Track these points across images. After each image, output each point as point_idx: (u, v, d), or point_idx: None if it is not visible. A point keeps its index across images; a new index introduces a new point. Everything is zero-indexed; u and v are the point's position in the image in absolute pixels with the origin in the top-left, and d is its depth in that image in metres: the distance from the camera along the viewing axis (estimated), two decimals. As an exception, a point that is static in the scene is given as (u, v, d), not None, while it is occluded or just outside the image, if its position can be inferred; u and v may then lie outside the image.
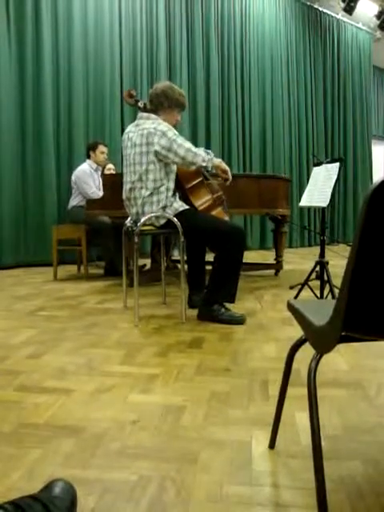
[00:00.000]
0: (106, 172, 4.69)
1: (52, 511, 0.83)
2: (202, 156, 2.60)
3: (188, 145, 2.58)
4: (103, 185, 3.95)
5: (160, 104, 2.70)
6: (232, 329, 2.41)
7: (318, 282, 3.08)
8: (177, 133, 2.62)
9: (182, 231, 2.52)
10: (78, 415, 1.38)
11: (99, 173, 4.67)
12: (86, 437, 1.25)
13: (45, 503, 0.85)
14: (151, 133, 2.56)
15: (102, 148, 4.67)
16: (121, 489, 1.01)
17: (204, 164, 2.62)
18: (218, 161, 2.76)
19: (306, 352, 1.06)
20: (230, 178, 2.81)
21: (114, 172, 4.72)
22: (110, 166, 4.85)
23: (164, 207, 2.60)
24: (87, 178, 4.56)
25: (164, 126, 2.59)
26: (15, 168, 5.14)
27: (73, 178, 4.66)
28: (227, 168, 2.80)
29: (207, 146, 6.78)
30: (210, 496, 0.98)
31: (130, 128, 2.74)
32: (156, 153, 2.55)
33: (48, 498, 0.87)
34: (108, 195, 3.72)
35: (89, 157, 4.70)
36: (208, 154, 2.67)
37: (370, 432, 1.26)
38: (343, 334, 0.80)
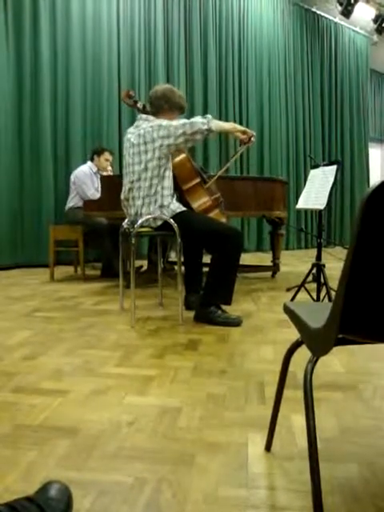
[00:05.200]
0: (103, 173, 4.69)
1: (47, 513, 0.83)
2: (199, 121, 2.54)
3: (182, 121, 2.55)
4: (100, 186, 3.95)
5: (160, 106, 2.71)
6: (228, 331, 2.41)
7: (314, 285, 3.08)
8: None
9: (179, 233, 2.52)
10: (73, 417, 1.38)
11: (99, 176, 4.67)
12: (82, 438, 1.24)
13: (40, 505, 0.85)
14: (147, 132, 2.57)
15: (107, 155, 4.69)
16: (117, 491, 1.01)
17: (205, 127, 2.52)
18: (229, 125, 2.66)
19: (303, 354, 1.06)
20: (252, 133, 2.68)
21: (111, 173, 4.72)
22: (109, 168, 4.85)
23: (161, 207, 2.60)
24: (87, 178, 4.56)
25: (158, 120, 2.61)
26: (12, 169, 5.13)
27: (72, 177, 4.65)
28: (242, 128, 2.67)
29: (205, 147, 6.79)
30: (206, 498, 0.98)
31: (130, 130, 2.77)
32: (161, 146, 2.55)
33: (43, 500, 0.87)
34: (105, 196, 3.72)
35: (92, 159, 4.70)
36: (204, 117, 2.59)
37: (366, 434, 1.26)
38: (339, 336, 0.81)
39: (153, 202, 2.59)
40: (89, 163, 4.70)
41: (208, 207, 2.82)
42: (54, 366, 1.84)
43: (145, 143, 2.58)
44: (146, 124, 2.63)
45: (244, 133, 2.66)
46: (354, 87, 9.17)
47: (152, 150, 2.56)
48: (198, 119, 2.57)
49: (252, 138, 2.68)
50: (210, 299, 2.57)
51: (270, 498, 0.98)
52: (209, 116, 2.61)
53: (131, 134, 2.69)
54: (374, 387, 1.61)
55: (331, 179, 2.92)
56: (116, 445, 1.21)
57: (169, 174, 2.65)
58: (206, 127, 2.53)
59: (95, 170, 4.67)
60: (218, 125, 2.58)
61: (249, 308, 2.98)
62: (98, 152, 4.69)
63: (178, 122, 2.56)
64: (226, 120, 7.15)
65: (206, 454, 1.16)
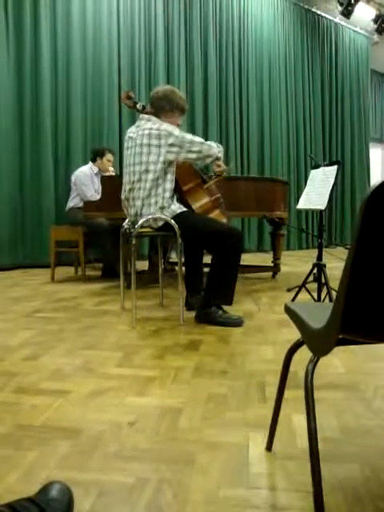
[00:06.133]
0: (106, 173, 4.68)
1: (48, 513, 0.83)
2: (215, 146, 2.70)
3: (199, 139, 2.65)
4: (101, 186, 3.95)
5: (161, 107, 2.71)
6: (229, 331, 2.41)
7: (315, 285, 3.08)
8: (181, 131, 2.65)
9: (180, 233, 2.52)
10: (74, 417, 1.38)
11: (99, 177, 4.66)
12: (83, 439, 1.24)
13: (41, 506, 0.85)
14: (154, 134, 2.57)
15: (109, 156, 4.67)
16: (118, 491, 1.01)
17: (220, 155, 2.70)
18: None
19: (304, 354, 1.06)
20: (225, 168, 2.85)
21: (112, 174, 4.71)
22: (110, 168, 4.85)
23: (162, 208, 2.60)
24: (87, 180, 4.55)
25: (168, 125, 2.62)
26: (13, 169, 5.13)
27: (72, 178, 4.65)
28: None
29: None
30: (206, 498, 0.98)
31: (131, 129, 2.76)
32: (168, 153, 2.56)
33: (45, 501, 0.87)
34: (106, 197, 3.72)
35: (94, 161, 4.69)
36: (218, 146, 2.74)
37: (367, 434, 1.26)
38: (340, 336, 0.80)
39: (153, 203, 2.59)
40: (89, 164, 4.70)
41: (208, 208, 2.82)
42: (55, 367, 1.84)
43: (149, 145, 2.58)
44: (150, 124, 2.62)
45: (219, 166, 2.82)
46: (354, 87, 9.17)
47: (156, 153, 2.56)
48: (213, 144, 2.71)
49: (224, 173, 2.87)
50: (210, 300, 2.57)
51: (271, 499, 0.98)
52: (221, 147, 2.78)
53: (133, 133, 2.69)
54: (375, 387, 1.61)
55: (332, 179, 2.92)
56: (117, 445, 1.21)
57: (171, 176, 2.65)
58: (219, 155, 2.71)
59: (96, 170, 4.66)
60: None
61: (250, 308, 2.98)
62: (100, 153, 4.67)
63: (195, 138, 2.64)
64: (227, 122, 7.17)
65: (206, 455, 1.16)
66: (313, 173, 3.26)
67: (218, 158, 2.71)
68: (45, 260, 4.93)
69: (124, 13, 5.97)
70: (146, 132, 2.59)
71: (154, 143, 2.57)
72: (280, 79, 7.88)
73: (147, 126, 2.62)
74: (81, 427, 1.31)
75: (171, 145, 2.56)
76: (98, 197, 4.29)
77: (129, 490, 1.02)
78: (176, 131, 2.59)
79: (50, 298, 3.38)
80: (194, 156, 2.62)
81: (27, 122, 5.21)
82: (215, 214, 2.82)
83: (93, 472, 1.08)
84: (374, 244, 0.72)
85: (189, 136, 2.62)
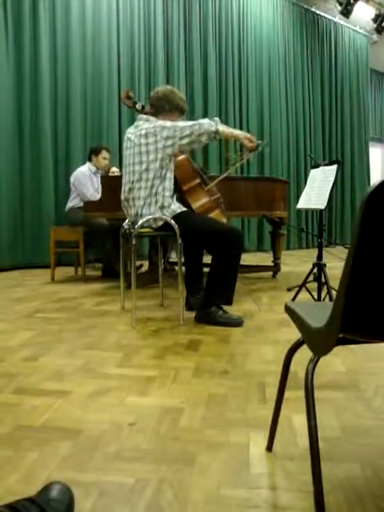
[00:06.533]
0: (110, 175, 4.68)
1: (49, 514, 0.83)
2: (207, 122, 2.58)
3: (190, 122, 2.59)
4: (101, 186, 3.95)
5: (161, 107, 2.71)
6: (229, 331, 2.41)
7: (315, 284, 3.08)
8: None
9: (180, 233, 2.52)
10: (75, 417, 1.38)
11: (98, 176, 4.66)
12: (84, 439, 1.24)
13: (42, 506, 0.84)
14: (150, 132, 2.57)
15: (105, 153, 4.67)
16: (118, 491, 1.01)
17: (213, 128, 2.55)
18: (238, 131, 2.72)
19: (304, 354, 1.06)
20: (258, 142, 2.71)
21: (117, 174, 4.71)
22: (114, 169, 4.84)
23: (162, 207, 2.59)
24: (86, 180, 4.55)
25: (161, 121, 2.62)
26: (13, 170, 5.13)
27: (71, 179, 4.65)
28: (249, 135, 2.70)
29: (205, 148, 6.78)
30: (207, 498, 0.98)
31: (130, 130, 2.76)
32: (164, 147, 2.55)
33: (45, 501, 0.87)
34: (106, 197, 3.72)
35: (90, 160, 4.69)
36: (212, 120, 2.63)
37: (368, 434, 1.26)
38: (341, 336, 0.80)
39: (153, 203, 2.59)
40: (87, 164, 4.70)
41: (208, 207, 2.82)
42: (55, 367, 1.84)
43: (147, 144, 2.58)
44: (148, 124, 2.63)
45: (251, 141, 2.68)
46: (353, 87, 9.17)
47: (154, 150, 2.56)
48: (205, 120, 2.60)
49: (259, 147, 2.72)
50: (210, 299, 2.57)
51: (272, 498, 0.98)
52: (216, 118, 2.65)
53: (131, 134, 2.69)
54: (376, 387, 1.61)
55: (331, 179, 2.92)
56: (117, 445, 1.21)
57: (170, 175, 2.64)
58: (213, 129, 2.56)
59: (94, 170, 4.66)
60: (226, 128, 2.62)
61: (250, 308, 2.98)
62: (96, 151, 4.67)
63: (185, 123, 2.58)
64: (226, 120, 7.16)
65: (207, 455, 1.16)
66: (312, 172, 3.26)
67: (216, 132, 2.56)
68: (45, 260, 4.93)
69: (123, 12, 5.97)
70: (143, 132, 2.60)
71: (151, 141, 2.57)
72: (279, 79, 7.88)
73: (145, 126, 2.63)
74: (81, 428, 1.31)
75: (167, 138, 2.55)
76: (98, 196, 4.29)
77: (129, 490, 1.01)
78: (168, 123, 2.58)
79: (50, 298, 3.38)
80: (186, 141, 2.55)
81: (27, 122, 5.21)
82: (215, 214, 2.82)
83: (93, 472, 1.08)
84: (373, 243, 0.72)
85: (180, 123, 2.58)
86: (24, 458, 1.15)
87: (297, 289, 3.19)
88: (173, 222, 2.53)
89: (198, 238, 2.72)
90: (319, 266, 3.02)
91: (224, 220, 2.83)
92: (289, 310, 1.07)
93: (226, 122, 7.19)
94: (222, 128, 2.60)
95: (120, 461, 1.13)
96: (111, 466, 1.11)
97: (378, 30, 8.34)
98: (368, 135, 9.61)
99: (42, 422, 1.35)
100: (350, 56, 9.12)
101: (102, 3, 5.74)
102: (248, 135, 2.69)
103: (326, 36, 8.72)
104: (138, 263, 4.26)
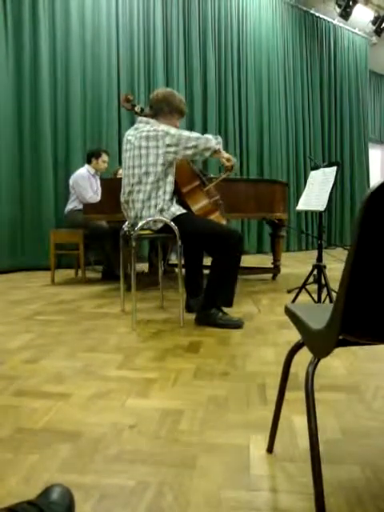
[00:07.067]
0: (118, 177, 4.67)
1: (49, 517, 0.83)
2: (212, 138, 2.66)
3: (196, 134, 2.63)
4: (101, 189, 3.95)
5: (160, 109, 2.71)
6: (230, 333, 2.41)
7: (315, 286, 3.08)
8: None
9: (180, 235, 2.52)
10: (75, 420, 1.38)
11: (98, 178, 4.67)
12: (84, 442, 1.24)
13: (42, 508, 0.84)
14: (151, 136, 2.57)
15: (104, 157, 4.68)
16: (118, 494, 1.01)
17: (218, 146, 2.66)
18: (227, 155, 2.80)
19: (304, 356, 1.06)
20: (235, 162, 2.81)
21: (121, 176, 4.71)
22: (121, 171, 4.84)
23: (161, 210, 2.60)
24: (85, 182, 4.56)
25: (164, 126, 2.62)
26: (13, 172, 5.14)
27: (70, 181, 4.66)
28: (228, 155, 2.80)
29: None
30: (207, 501, 0.98)
31: (129, 132, 2.76)
32: (167, 153, 2.56)
33: (45, 504, 0.87)
34: (105, 199, 3.72)
35: (89, 162, 4.70)
36: (216, 138, 2.70)
37: (368, 436, 1.26)
38: (341, 337, 0.80)
39: (153, 206, 2.59)
40: (86, 166, 4.70)
41: (208, 210, 2.82)
42: (55, 370, 1.84)
43: (147, 147, 2.58)
44: (148, 127, 2.62)
45: (228, 160, 2.78)
46: (353, 89, 9.19)
47: (155, 154, 2.56)
48: (211, 137, 2.67)
49: (234, 167, 2.81)
50: (211, 301, 2.57)
51: (273, 500, 0.98)
52: (219, 138, 2.73)
53: (131, 136, 2.69)
54: (376, 388, 1.61)
55: (331, 180, 2.92)
56: (117, 448, 1.21)
57: (171, 178, 2.65)
58: (217, 147, 2.66)
59: (93, 172, 4.66)
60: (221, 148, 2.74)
61: (250, 310, 2.98)
62: (95, 154, 4.68)
63: (191, 134, 2.62)
64: (226, 123, 7.19)
65: (207, 457, 1.16)
66: (312, 174, 3.26)
67: (216, 150, 2.66)
68: (45, 263, 4.93)
69: (123, 14, 5.99)
70: (144, 134, 2.59)
71: (151, 145, 2.57)
72: (279, 81, 7.90)
73: (145, 128, 2.62)
74: (81, 430, 1.31)
75: (169, 145, 2.56)
76: (97, 198, 4.29)
77: (130, 492, 1.01)
78: (172, 130, 2.59)
79: (50, 300, 3.38)
80: (190, 152, 2.59)
81: (26, 123, 5.22)
82: (215, 216, 2.82)
83: (94, 475, 1.08)
84: (373, 245, 0.72)
85: (185, 133, 2.61)
86: (24, 460, 1.15)
87: (297, 290, 3.19)
88: (172, 224, 2.53)
89: (197, 240, 2.72)
90: (319, 267, 3.02)
91: (224, 222, 2.83)
92: (289, 311, 1.07)
93: (225, 124, 7.23)
94: (220, 148, 2.70)
95: (120, 463, 1.13)
96: (112, 468, 1.11)
97: (377, 32, 8.37)
98: (367, 137, 9.63)
99: (43, 425, 1.34)
100: (349, 58, 9.14)
101: (102, 6, 5.76)
102: (227, 155, 2.78)
103: (326, 38, 8.74)
104: (139, 268, 4.26)
